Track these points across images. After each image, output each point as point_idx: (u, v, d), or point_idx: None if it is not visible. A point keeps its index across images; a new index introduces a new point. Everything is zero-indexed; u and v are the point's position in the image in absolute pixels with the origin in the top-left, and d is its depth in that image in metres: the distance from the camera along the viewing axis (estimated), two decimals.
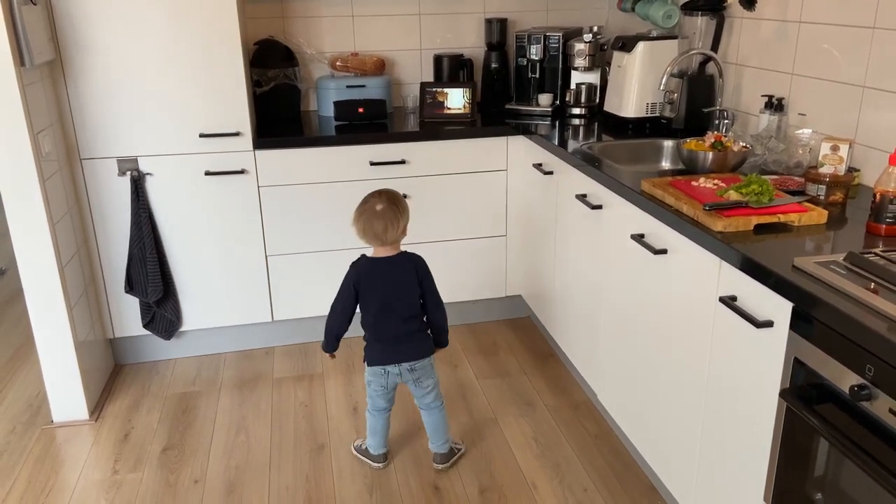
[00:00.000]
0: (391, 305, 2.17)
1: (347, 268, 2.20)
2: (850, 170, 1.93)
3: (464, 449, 2.42)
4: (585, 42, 3.07)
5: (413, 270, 2.19)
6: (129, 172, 2.71)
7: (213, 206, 2.82)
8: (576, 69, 3.14)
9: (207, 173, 2.76)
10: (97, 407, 2.71)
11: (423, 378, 2.24)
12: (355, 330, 3.18)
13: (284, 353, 3.10)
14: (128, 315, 2.89)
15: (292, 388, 2.83)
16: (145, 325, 2.90)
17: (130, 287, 2.82)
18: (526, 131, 2.93)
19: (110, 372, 2.95)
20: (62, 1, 2.48)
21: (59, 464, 2.41)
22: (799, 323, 1.41)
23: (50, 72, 2.54)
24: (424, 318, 2.24)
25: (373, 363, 2.22)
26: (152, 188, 2.75)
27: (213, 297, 2.94)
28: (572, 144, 2.64)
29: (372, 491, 2.25)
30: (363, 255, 2.21)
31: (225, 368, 2.99)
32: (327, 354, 2.30)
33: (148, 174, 2.73)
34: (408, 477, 2.31)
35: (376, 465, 2.34)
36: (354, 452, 2.41)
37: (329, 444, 2.48)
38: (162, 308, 2.87)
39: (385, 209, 2.12)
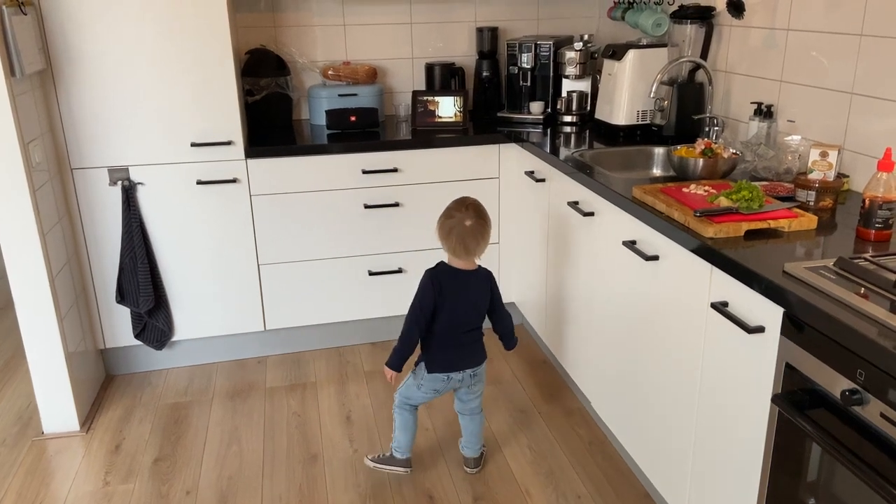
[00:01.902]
0: (465, 317, 2.17)
1: (423, 275, 2.14)
2: (840, 176, 1.94)
3: (486, 450, 2.44)
4: (576, 50, 3.09)
5: (489, 286, 2.21)
6: (120, 182, 2.70)
7: (205, 216, 2.81)
8: (567, 77, 3.15)
9: (199, 182, 2.76)
10: (88, 418, 2.69)
11: (478, 382, 2.26)
12: (348, 339, 3.18)
13: (277, 363, 3.09)
14: (119, 325, 2.88)
15: (285, 398, 2.82)
16: (137, 336, 2.88)
17: (122, 297, 2.80)
18: (518, 139, 2.94)
19: (101, 382, 2.93)
20: (53, 11, 2.48)
21: (50, 476, 2.39)
22: (790, 328, 1.42)
23: (40, 82, 2.53)
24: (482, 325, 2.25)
25: (436, 370, 2.18)
26: (143, 197, 2.74)
27: (205, 307, 2.93)
28: (564, 152, 2.65)
29: (366, 500, 2.24)
30: (442, 263, 2.18)
31: (217, 378, 2.98)
32: (391, 373, 2.17)
33: (139, 183, 2.72)
34: (401, 485, 2.30)
35: (402, 470, 2.29)
36: (374, 465, 2.32)
37: (322, 454, 2.47)
38: (153, 318, 2.86)
39: (475, 224, 2.10)
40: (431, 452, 2.45)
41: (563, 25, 3.52)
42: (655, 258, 1.93)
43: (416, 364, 2.24)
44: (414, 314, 2.14)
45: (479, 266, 2.21)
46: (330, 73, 3.21)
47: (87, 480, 2.36)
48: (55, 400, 2.57)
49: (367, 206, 2.93)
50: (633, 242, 2.04)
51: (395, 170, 2.92)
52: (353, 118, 3.02)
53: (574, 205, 2.41)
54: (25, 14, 2.34)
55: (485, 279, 2.21)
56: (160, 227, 2.79)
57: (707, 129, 2.60)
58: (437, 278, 2.14)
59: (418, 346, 2.20)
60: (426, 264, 2.23)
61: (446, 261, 2.19)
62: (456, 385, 2.23)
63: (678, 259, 1.82)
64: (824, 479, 1.39)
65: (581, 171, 2.34)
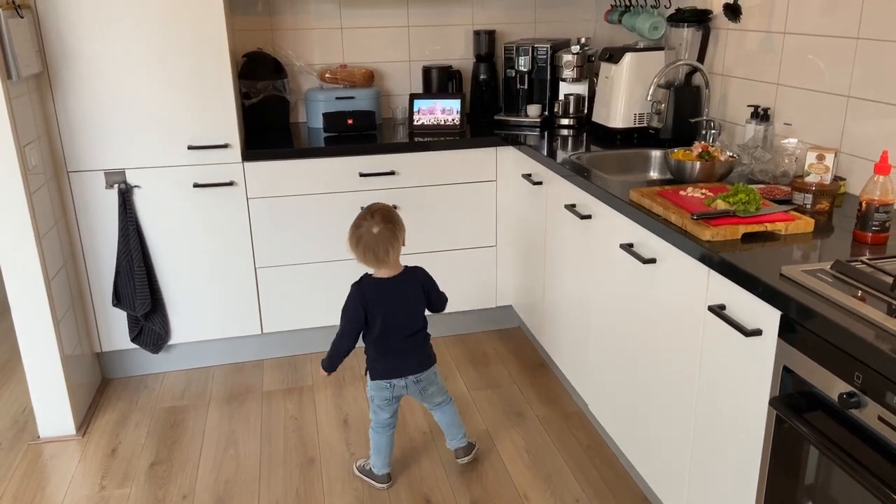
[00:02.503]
0: (397, 323, 2.16)
1: (349, 286, 2.16)
2: (836, 179, 1.95)
3: (476, 443, 2.44)
4: (573, 53, 3.09)
5: (420, 286, 2.19)
6: (116, 185, 2.69)
7: (202, 219, 2.81)
8: (564, 80, 3.15)
9: (196, 185, 2.75)
10: (84, 422, 2.68)
11: (428, 386, 2.25)
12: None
13: (274, 366, 3.08)
14: (115, 329, 2.87)
15: (282, 402, 2.81)
16: (133, 339, 2.87)
17: (118, 300, 2.80)
18: (515, 142, 2.94)
19: (97, 386, 2.92)
20: (49, 14, 2.47)
21: (46, 480, 2.38)
22: (787, 331, 1.42)
23: (37, 84, 2.53)
24: (427, 329, 2.23)
25: (378, 377, 2.20)
26: (140, 201, 2.74)
27: (202, 310, 2.92)
28: (561, 155, 2.65)
29: None
30: (366, 275, 2.17)
31: (214, 382, 2.97)
32: (324, 372, 2.25)
33: (136, 186, 2.72)
34: (399, 490, 2.30)
35: (380, 485, 2.30)
36: (357, 473, 2.35)
37: (319, 458, 2.47)
38: (150, 321, 2.85)
39: (381, 230, 2.07)
40: (429, 455, 2.45)
41: (560, 29, 3.52)
42: (653, 261, 1.93)
43: (364, 374, 2.25)
44: (341, 330, 2.17)
45: (406, 266, 2.19)
46: (327, 76, 3.22)
47: (83, 485, 2.35)
48: (51, 404, 2.56)
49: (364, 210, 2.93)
50: (631, 245, 2.04)
51: (392, 173, 2.92)
52: (350, 121, 3.02)
53: (571, 208, 2.41)
54: (22, 17, 2.33)
55: (414, 281, 2.18)
56: (157, 230, 2.78)
57: (704, 132, 2.60)
58: (359, 288, 2.14)
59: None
60: (423, 267, 2.23)
61: (371, 273, 2.17)
62: (401, 392, 2.22)
63: (675, 262, 1.82)
64: (822, 483, 1.39)
65: (578, 174, 2.34)
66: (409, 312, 2.18)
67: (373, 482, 2.31)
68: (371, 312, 2.13)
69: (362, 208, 2.19)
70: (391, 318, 2.14)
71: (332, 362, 2.22)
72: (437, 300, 2.24)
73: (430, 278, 2.22)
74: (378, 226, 2.07)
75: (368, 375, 2.23)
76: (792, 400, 1.41)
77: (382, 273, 2.15)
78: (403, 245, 2.15)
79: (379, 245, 2.07)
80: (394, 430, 2.29)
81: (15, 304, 2.44)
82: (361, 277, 2.17)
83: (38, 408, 2.56)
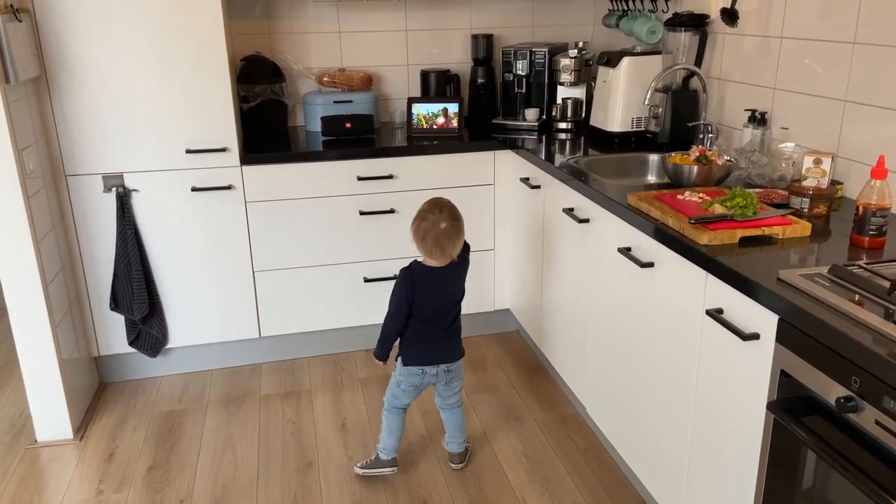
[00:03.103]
0: (439, 311, 2.19)
1: (398, 273, 2.18)
2: (833, 183, 1.95)
3: (470, 446, 2.46)
4: (571, 57, 3.10)
5: (463, 276, 2.22)
6: (114, 189, 2.69)
7: (200, 222, 2.81)
8: (562, 84, 3.16)
9: (194, 189, 2.75)
10: (82, 426, 2.68)
11: (455, 379, 2.28)
12: (344, 346, 3.18)
13: (272, 370, 3.08)
14: (113, 332, 2.86)
15: (280, 405, 2.81)
16: (131, 343, 2.87)
17: (116, 304, 2.79)
18: (513, 146, 2.94)
19: (95, 390, 2.92)
20: (48, 17, 2.47)
21: (43, 484, 2.37)
22: (785, 335, 1.42)
23: (35, 88, 2.53)
24: (460, 320, 2.26)
25: (411, 363, 2.22)
26: (138, 204, 2.73)
27: (200, 314, 2.92)
28: (559, 159, 2.66)
29: None
30: (416, 262, 2.19)
31: (211, 386, 2.97)
32: (379, 362, 2.27)
33: (134, 190, 2.72)
34: (397, 493, 2.29)
35: (388, 470, 2.33)
36: (361, 472, 2.35)
37: (317, 462, 2.46)
38: (148, 325, 2.85)
39: (450, 226, 2.10)
40: (427, 459, 2.45)
41: (558, 33, 3.53)
42: (650, 265, 1.93)
43: (396, 359, 2.27)
44: (391, 313, 2.19)
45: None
46: (325, 79, 3.22)
47: (80, 489, 2.35)
48: (48, 407, 2.55)
49: (362, 213, 2.93)
50: (629, 249, 2.04)
51: (390, 176, 2.92)
52: (348, 125, 3.02)
53: (569, 211, 2.41)
54: (20, 21, 2.33)
55: (460, 270, 2.21)
56: (155, 233, 2.78)
57: (701, 136, 2.61)
58: (409, 274, 2.16)
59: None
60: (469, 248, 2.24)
61: (421, 260, 2.19)
62: (431, 380, 2.25)
63: (673, 266, 1.82)
64: (820, 487, 1.39)
65: (576, 177, 2.35)
66: (452, 301, 2.21)
67: (382, 470, 2.33)
68: (418, 299, 2.15)
69: (428, 204, 2.19)
70: (435, 306, 2.18)
71: (383, 349, 2.24)
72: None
73: (469, 253, 2.25)
74: (447, 221, 2.11)
75: (400, 360, 2.24)
76: (790, 404, 1.42)
77: (436, 264, 2.16)
78: None
79: (448, 240, 2.10)
80: (406, 414, 2.33)
81: (13, 307, 2.44)
82: (411, 263, 2.19)
83: (35, 411, 2.55)
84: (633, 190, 2.13)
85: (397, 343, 2.25)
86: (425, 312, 2.18)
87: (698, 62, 2.71)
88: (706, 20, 2.67)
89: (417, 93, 3.41)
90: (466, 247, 2.24)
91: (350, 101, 3.15)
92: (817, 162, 1.90)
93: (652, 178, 2.68)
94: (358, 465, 2.38)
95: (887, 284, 1.35)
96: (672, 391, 1.89)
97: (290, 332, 3.05)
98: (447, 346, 2.24)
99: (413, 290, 2.14)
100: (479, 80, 3.35)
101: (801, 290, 1.41)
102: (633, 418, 2.13)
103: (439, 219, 2.10)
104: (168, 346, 2.94)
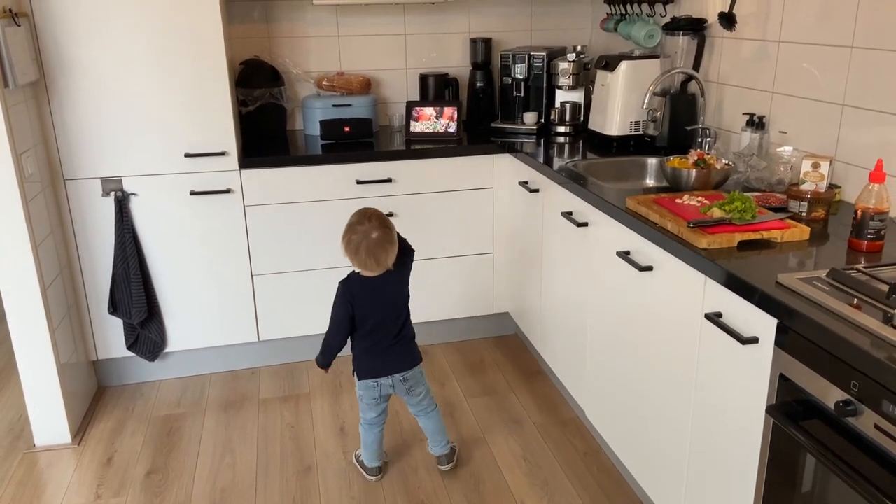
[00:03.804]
0: (384, 321, 2.18)
1: (337, 286, 2.18)
2: (831, 186, 1.96)
3: (456, 446, 2.47)
4: (569, 61, 3.10)
5: (405, 281, 2.20)
6: (113, 193, 2.69)
7: (199, 226, 2.81)
8: (560, 88, 3.16)
9: (193, 193, 2.75)
10: (80, 430, 2.67)
11: (415, 386, 2.27)
12: (343, 350, 3.17)
13: (270, 374, 3.08)
14: (111, 336, 2.86)
15: (278, 409, 2.81)
16: (129, 347, 2.87)
17: (114, 308, 2.79)
18: (511, 149, 2.95)
19: (93, 394, 2.91)
20: (46, 22, 2.47)
21: (42, 489, 2.37)
22: (784, 339, 1.42)
23: (34, 92, 2.53)
24: (412, 328, 2.25)
25: (364, 376, 2.22)
26: (137, 208, 2.73)
27: (199, 318, 2.92)
28: (557, 162, 2.66)
29: None
30: (354, 273, 2.18)
31: (210, 389, 2.96)
32: (322, 370, 2.28)
33: (132, 194, 2.71)
34: (395, 496, 2.29)
35: (370, 477, 2.35)
36: (353, 461, 2.43)
37: (316, 466, 2.46)
38: (146, 329, 2.85)
39: (381, 235, 2.08)
40: (426, 461, 2.44)
41: (556, 37, 3.54)
42: (649, 269, 1.93)
43: (353, 374, 2.26)
44: (332, 328, 2.19)
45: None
46: (324, 83, 3.22)
47: (78, 493, 2.34)
48: (47, 412, 2.55)
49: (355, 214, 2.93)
50: (627, 253, 2.04)
51: (389, 180, 2.92)
52: (347, 129, 3.02)
53: (568, 215, 2.41)
54: (19, 25, 2.34)
55: (401, 276, 2.19)
56: (153, 237, 2.78)
57: (700, 139, 2.62)
58: (347, 286, 2.16)
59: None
60: (420, 274, 2.24)
61: (358, 271, 2.18)
62: (388, 391, 2.24)
63: (672, 270, 1.83)
64: (819, 491, 1.39)
65: (575, 181, 2.35)
66: (396, 311, 2.20)
67: (364, 473, 2.37)
68: (359, 310, 2.15)
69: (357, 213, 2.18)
70: (378, 317, 2.16)
71: (325, 359, 2.26)
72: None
73: (412, 260, 2.24)
74: (377, 230, 2.08)
75: (356, 375, 2.24)
76: (789, 408, 1.42)
77: (371, 273, 2.15)
78: None
79: (381, 249, 2.08)
80: (382, 428, 2.33)
81: (11, 311, 2.43)
82: (349, 275, 2.18)
83: (33, 416, 2.55)
84: (632, 193, 2.13)
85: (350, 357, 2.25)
86: (369, 323, 2.16)
87: (696, 66, 2.71)
88: (704, 24, 2.68)
89: (416, 97, 3.41)
90: (410, 251, 2.21)
91: (349, 105, 3.15)
92: (815, 166, 1.90)
93: (650, 182, 2.68)
94: (356, 452, 2.45)
95: (886, 288, 1.35)
96: (671, 395, 1.89)
97: (288, 335, 3.05)
98: (398, 355, 2.22)
99: (353, 303, 2.13)
100: (478, 84, 3.36)
101: (800, 294, 1.41)
102: (633, 422, 2.13)
103: (369, 229, 2.07)
104: (167, 349, 2.94)
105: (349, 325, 2.17)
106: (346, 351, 2.24)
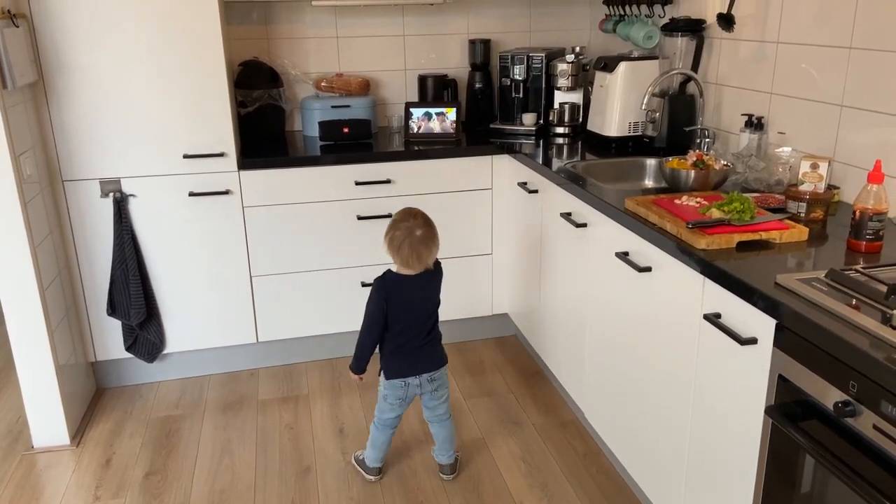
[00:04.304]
0: (417, 320, 2.18)
1: (372, 283, 2.17)
2: (830, 187, 1.96)
3: (460, 455, 2.46)
4: (568, 62, 3.10)
5: (439, 284, 2.22)
6: (111, 194, 2.69)
7: (197, 227, 2.80)
8: (559, 89, 3.17)
9: (191, 194, 2.75)
10: (78, 432, 2.67)
11: (441, 387, 2.27)
12: (341, 350, 3.17)
13: (269, 375, 3.08)
14: (110, 338, 2.86)
15: (277, 411, 2.81)
16: (128, 348, 2.86)
17: (113, 310, 2.79)
18: (510, 150, 2.95)
19: (92, 396, 2.91)
20: (45, 23, 2.47)
21: (40, 490, 2.36)
22: (782, 340, 1.42)
23: (32, 94, 2.53)
24: (439, 329, 2.25)
25: (393, 376, 2.20)
26: (135, 210, 2.73)
27: (197, 319, 2.92)
28: (556, 163, 2.66)
29: None
30: (390, 271, 2.18)
31: (209, 391, 2.96)
32: (356, 376, 2.26)
33: (131, 195, 2.71)
34: (394, 497, 2.29)
35: (370, 477, 2.35)
36: (353, 461, 2.42)
37: (315, 467, 2.46)
38: (145, 330, 2.84)
39: (425, 233, 2.10)
40: (425, 463, 2.44)
41: (555, 38, 3.54)
42: (648, 269, 1.93)
43: (379, 373, 2.26)
44: (366, 325, 2.18)
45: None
46: (323, 84, 3.22)
47: (77, 495, 2.34)
48: (45, 413, 2.55)
49: (360, 218, 2.93)
50: (626, 254, 2.04)
51: (388, 181, 2.92)
52: (346, 130, 3.02)
53: (567, 216, 2.41)
54: (17, 26, 2.33)
55: (435, 278, 2.21)
56: (152, 239, 2.78)
57: (698, 140, 2.62)
58: (383, 283, 2.15)
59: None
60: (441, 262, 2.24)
61: (394, 269, 2.18)
62: (416, 391, 2.24)
63: (671, 270, 1.83)
64: (818, 491, 1.39)
65: (573, 182, 2.35)
66: (429, 310, 2.20)
67: (364, 473, 2.36)
68: (392, 309, 2.14)
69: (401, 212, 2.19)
70: (412, 315, 2.16)
71: (359, 363, 2.23)
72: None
73: (442, 273, 2.26)
74: (421, 228, 2.10)
75: (383, 374, 2.23)
76: (787, 409, 1.42)
77: (409, 271, 2.15)
78: None
79: (424, 247, 2.09)
80: (394, 431, 2.33)
81: (9, 313, 2.43)
82: (385, 273, 2.18)
83: (32, 417, 2.55)
84: (631, 194, 2.13)
85: (378, 356, 2.24)
86: (401, 323, 2.16)
87: (695, 67, 2.71)
88: (703, 25, 2.68)
89: (415, 98, 3.41)
90: (439, 267, 2.23)
91: (348, 106, 3.15)
92: (814, 166, 1.90)
93: (649, 183, 2.68)
94: (355, 452, 2.45)
95: (884, 289, 1.35)
96: (670, 396, 1.89)
97: (287, 336, 3.05)
98: (428, 355, 2.22)
99: (388, 300, 2.13)
100: (477, 85, 3.36)
101: (799, 295, 1.41)
102: (632, 423, 2.13)
103: (414, 226, 2.09)
104: (165, 351, 2.93)
105: (382, 323, 2.15)
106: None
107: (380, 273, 2.20)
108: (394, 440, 2.54)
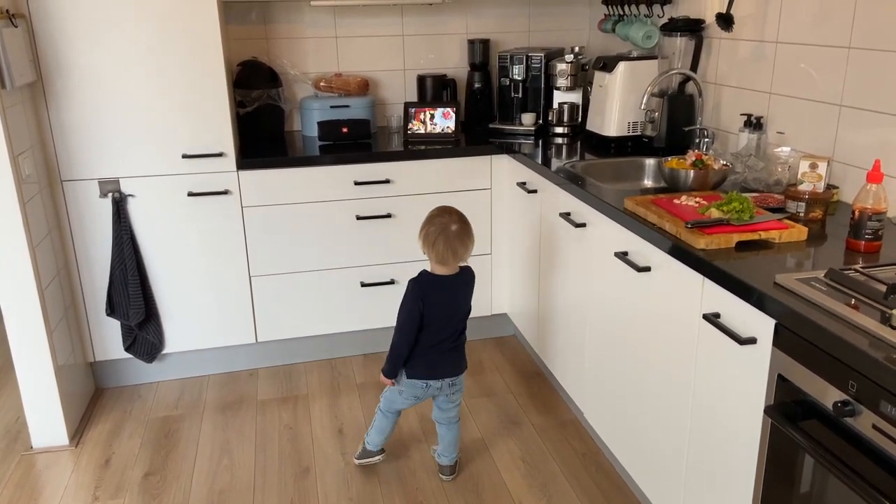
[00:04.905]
0: (449, 322, 2.17)
1: (407, 284, 2.15)
2: (829, 187, 1.96)
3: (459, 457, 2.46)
4: (567, 62, 3.10)
5: (471, 287, 2.21)
6: (110, 194, 2.69)
7: (196, 228, 2.80)
8: (558, 89, 3.17)
9: (190, 194, 2.75)
10: (77, 432, 2.67)
11: (457, 392, 2.27)
12: (341, 350, 3.17)
13: (269, 375, 3.07)
14: (109, 338, 2.86)
15: (277, 411, 2.80)
16: (127, 349, 2.86)
17: (112, 310, 2.78)
18: (510, 150, 2.95)
19: (91, 396, 2.90)
20: (44, 23, 2.47)
21: (39, 491, 2.36)
22: (782, 339, 1.42)
23: (31, 94, 2.52)
24: (466, 334, 2.26)
25: (416, 377, 2.19)
26: (134, 210, 2.73)
27: (196, 319, 2.91)
28: (555, 163, 2.66)
29: None
30: (425, 272, 2.18)
31: (208, 391, 2.96)
32: (388, 382, 2.23)
33: (130, 195, 2.71)
34: (394, 498, 2.29)
35: (377, 458, 2.39)
36: (358, 463, 2.42)
37: (314, 467, 2.46)
38: (144, 331, 2.84)
39: (460, 229, 2.10)
40: (424, 464, 2.44)
41: (554, 38, 3.54)
42: (647, 269, 1.93)
43: (401, 371, 2.25)
44: (400, 326, 2.15)
45: (461, 267, 2.21)
46: (322, 84, 3.22)
47: (76, 496, 2.34)
48: (44, 414, 2.54)
49: (359, 218, 2.93)
50: (625, 254, 2.04)
51: (387, 181, 2.92)
52: (345, 130, 3.02)
53: (566, 216, 2.41)
54: (16, 26, 2.33)
55: (468, 280, 2.21)
56: (151, 239, 2.77)
57: (697, 140, 2.62)
58: (418, 284, 2.14)
59: None
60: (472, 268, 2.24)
61: (429, 269, 2.18)
62: (434, 393, 2.24)
63: (670, 270, 1.83)
64: (817, 491, 1.39)
65: (573, 182, 2.35)
66: (460, 312, 2.19)
67: (372, 459, 2.39)
68: (427, 310, 2.13)
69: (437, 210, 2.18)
70: (444, 317, 2.16)
71: (392, 367, 2.20)
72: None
73: (474, 280, 2.25)
74: (456, 224, 2.10)
75: (404, 373, 2.20)
76: (787, 408, 1.42)
77: (443, 270, 2.15)
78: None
79: (459, 242, 2.10)
80: (399, 416, 2.35)
81: (8, 313, 2.43)
82: (420, 274, 2.18)
83: (30, 418, 2.54)
84: (630, 194, 2.13)
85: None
86: (434, 325, 2.14)
87: (694, 67, 2.71)
88: (702, 25, 2.68)
89: (414, 98, 3.41)
90: (471, 270, 2.24)
91: (347, 106, 3.15)
92: (813, 166, 1.90)
93: (648, 183, 2.68)
94: (355, 456, 2.43)
95: (884, 288, 1.35)
96: (669, 396, 1.89)
97: (286, 336, 3.05)
98: (453, 359, 2.22)
99: (424, 301, 2.11)
100: (476, 85, 3.36)
101: (798, 295, 1.41)
102: (631, 423, 2.13)
103: (449, 222, 2.10)
104: (164, 351, 2.93)
105: (418, 325, 2.13)
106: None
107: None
108: (392, 441, 2.55)
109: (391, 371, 2.21)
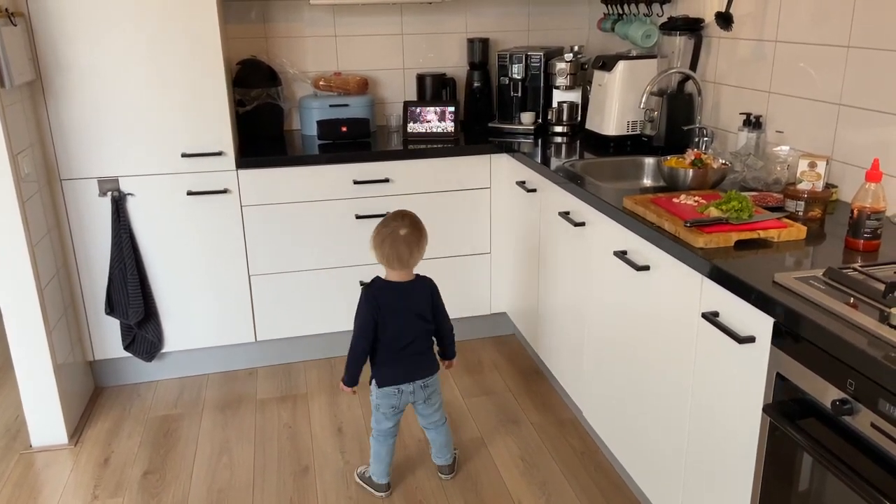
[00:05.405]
0: (407, 328, 2.16)
1: (361, 291, 2.16)
2: (828, 186, 1.96)
3: (458, 452, 2.45)
4: (566, 61, 3.10)
5: (429, 295, 2.19)
6: (109, 193, 2.69)
7: (196, 226, 2.80)
8: (557, 88, 3.17)
9: (189, 193, 2.75)
10: (77, 431, 2.67)
11: (433, 395, 2.25)
12: (340, 349, 3.17)
13: (268, 374, 3.08)
14: (108, 337, 2.86)
15: (276, 410, 2.80)
16: (126, 347, 2.86)
17: (111, 309, 2.78)
18: (509, 149, 2.95)
19: (90, 395, 2.90)
20: (43, 21, 2.47)
21: (38, 490, 2.36)
22: (780, 338, 1.42)
23: (30, 92, 2.52)
24: (432, 336, 2.24)
25: (386, 384, 2.18)
26: (133, 208, 2.73)
27: (196, 318, 2.91)
28: (555, 162, 2.66)
29: None
30: (378, 278, 2.18)
31: (207, 390, 2.96)
32: (348, 390, 2.22)
33: (129, 194, 2.71)
34: (394, 498, 2.29)
35: (379, 494, 2.29)
36: (357, 480, 2.36)
37: (313, 466, 2.46)
38: (143, 329, 2.84)
39: (409, 233, 2.10)
40: (424, 463, 2.44)
41: (553, 37, 3.54)
42: (646, 268, 1.94)
43: (370, 382, 2.22)
44: (356, 332, 2.15)
45: (418, 275, 2.20)
46: (321, 83, 3.22)
47: (75, 495, 2.34)
48: (43, 412, 2.54)
49: (358, 217, 2.93)
50: (624, 253, 2.05)
51: (386, 180, 2.92)
52: (344, 129, 3.02)
53: (565, 215, 2.41)
54: (15, 25, 2.33)
55: (425, 289, 2.20)
56: (150, 238, 2.77)
57: (697, 139, 2.62)
58: (373, 294, 2.13)
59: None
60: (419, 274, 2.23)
61: (383, 276, 2.18)
62: (409, 399, 2.21)
63: (669, 269, 1.83)
64: (816, 489, 1.39)
65: (572, 181, 2.35)
66: (419, 317, 2.18)
67: (372, 490, 2.31)
68: (382, 316, 2.13)
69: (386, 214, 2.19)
70: (401, 323, 2.15)
71: (351, 375, 2.19)
72: (441, 314, 2.24)
73: (437, 290, 2.23)
74: (406, 228, 2.10)
75: (374, 383, 2.20)
76: (785, 407, 1.42)
77: (396, 276, 2.15)
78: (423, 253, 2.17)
79: (404, 246, 2.09)
80: (395, 440, 2.29)
81: (7, 312, 2.43)
82: (373, 280, 2.18)
83: (30, 416, 2.54)
84: (629, 193, 2.13)
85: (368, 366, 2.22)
86: (391, 331, 2.14)
87: (693, 66, 2.72)
88: (701, 24, 2.68)
89: (413, 97, 3.41)
90: (431, 282, 2.21)
91: (346, 105, 3.15)
92: (812, 165, 1.90)
93: (647, 182, 2.69)
94: (358, 470, 2.38)
95: (882, 287, 1.35)
96: (668, 394, 1.89)
97: (286, 335, 3.05)
98: (419, 362, 2.20)
99: (378, 306, 2.12)
100: (475, 84, 3.36)
101: (797, 294, 1.42)
102: (630, 421, 2.13)
103: (400, 225, 2.10)
104: (163, 350, 2.93)
105: (373, 330, 2.13)
106: (344, 351, 2.23)
107: (378, 273, 2.19)
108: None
109: (350, 379, 2.19)
